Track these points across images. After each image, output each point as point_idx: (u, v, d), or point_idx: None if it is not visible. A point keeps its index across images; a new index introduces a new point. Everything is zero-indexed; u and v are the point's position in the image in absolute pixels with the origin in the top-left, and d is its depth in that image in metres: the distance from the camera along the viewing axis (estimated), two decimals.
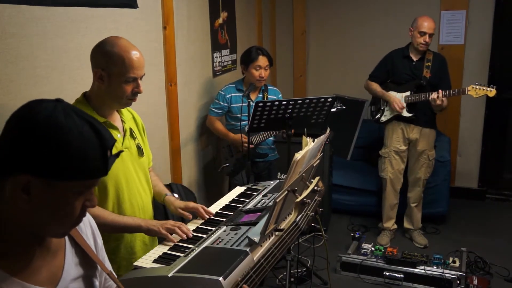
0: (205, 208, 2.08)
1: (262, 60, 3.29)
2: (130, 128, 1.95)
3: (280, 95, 3.54)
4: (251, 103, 3.10)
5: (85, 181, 0.99)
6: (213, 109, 3.44)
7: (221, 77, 3.92)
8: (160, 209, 2.31)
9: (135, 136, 1.96)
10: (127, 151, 1.89)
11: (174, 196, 2.15)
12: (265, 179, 3.37)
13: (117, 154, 1.06)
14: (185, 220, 2.06)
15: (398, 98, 3.71)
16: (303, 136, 1.91)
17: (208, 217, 2.04)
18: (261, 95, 3.42)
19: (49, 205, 0.98)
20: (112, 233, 1.87)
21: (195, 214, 2.07)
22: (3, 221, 1.00)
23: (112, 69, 1.74)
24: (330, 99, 2.90)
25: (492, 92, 3.43)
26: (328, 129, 2.30)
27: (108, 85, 1.76)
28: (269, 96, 3.44)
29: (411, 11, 4.39)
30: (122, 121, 1.93)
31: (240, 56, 3.52)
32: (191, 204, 2.06)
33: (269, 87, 3.49)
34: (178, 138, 3.26)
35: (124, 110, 1.96)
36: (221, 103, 3.39)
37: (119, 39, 1.78)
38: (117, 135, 1.85)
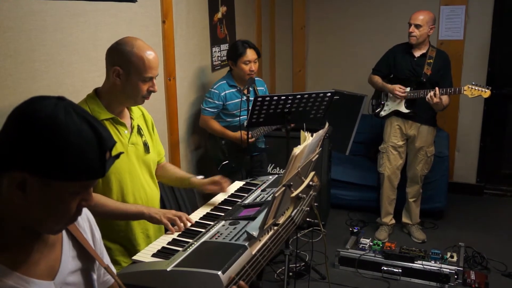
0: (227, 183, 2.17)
1: (250, 54, 3.26)
2: (138, 125, 2.00)
3: (265, 85, 3.55)
4: (243, 98, 3.10)
5: (82, 182, 0.98)
6: (207, 108, 3.34)
7: (220, 72, 3.91)
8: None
9: (142, 133, 2.01)
10: (133, 147, 1.95)
11: (198, 177, 2.19)
12: (258, 171, 3.38)
13: (117, 156, 1.05)
14: (189, 212, 2.08)
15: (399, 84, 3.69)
16: (302, 130, 1.92)
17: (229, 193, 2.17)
18: (251, 88, 3.40)
19: (44, 203, 0.98)
20: (115, 219, 1.91)
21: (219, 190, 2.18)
22: (1, 215, 1.01)
23: (131, 69, 1.81)
24: (329, 94, 2.90)
25: (486, 93, 3.41)
26: (327, 124, 2.30)
27: (126, 83, 1.83)
28: (258, 88, 3.42)
29: (411, 6, 4.37)
30: (131, 118, 1.98)
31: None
32: (216, 177, 2.15)
33: (256, 79, 3.45)
34: (177, 133, 3.26)
35: (134, 108, 2.01)
36: (216, 101, 3.31)
37: (137, 40, 1.85)
38: (124, 131, 1.91)
